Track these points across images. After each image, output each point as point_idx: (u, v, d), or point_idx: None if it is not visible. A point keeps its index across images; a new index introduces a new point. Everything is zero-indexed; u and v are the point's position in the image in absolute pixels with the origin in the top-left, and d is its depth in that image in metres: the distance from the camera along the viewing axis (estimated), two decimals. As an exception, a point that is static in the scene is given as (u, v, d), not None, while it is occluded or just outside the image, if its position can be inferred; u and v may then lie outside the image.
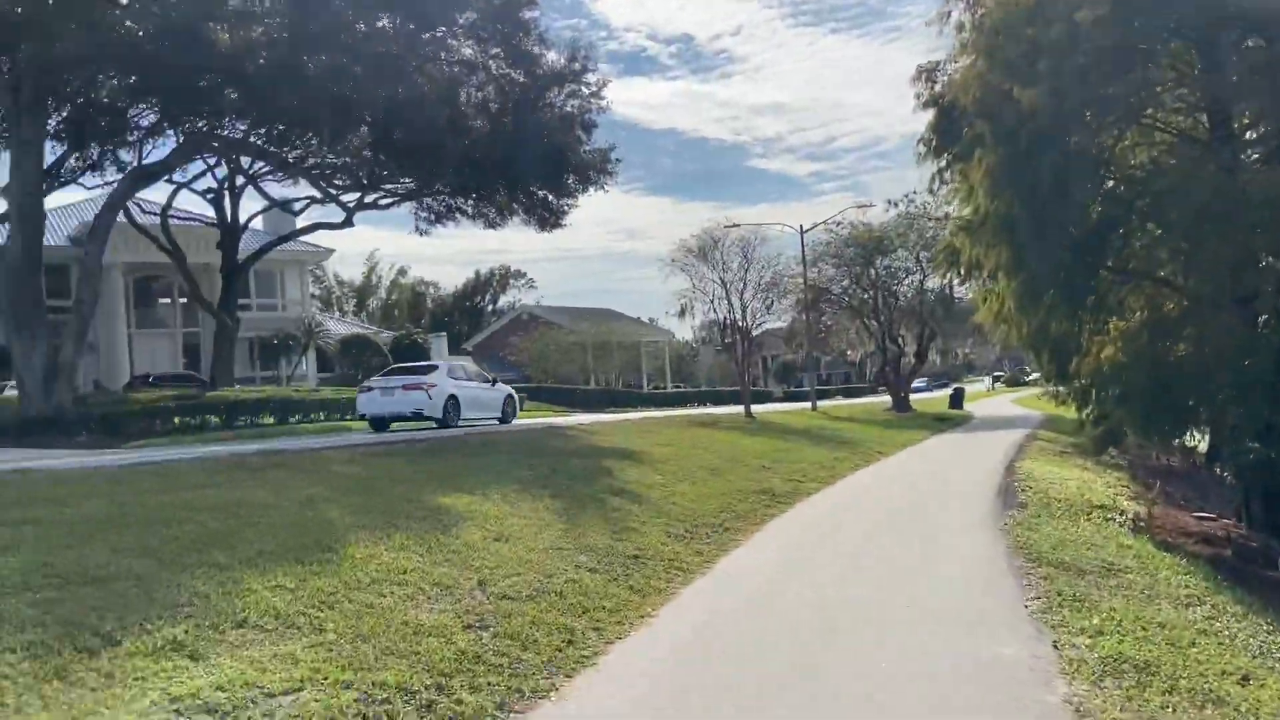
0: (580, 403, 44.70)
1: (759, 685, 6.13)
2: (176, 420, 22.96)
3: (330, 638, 5.85)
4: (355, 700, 5.07)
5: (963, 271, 21.91)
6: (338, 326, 50.18)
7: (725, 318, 33.76)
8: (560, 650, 6.53)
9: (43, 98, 22.52)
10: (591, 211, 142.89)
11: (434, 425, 20.66)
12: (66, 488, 9.16)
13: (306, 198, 34.23)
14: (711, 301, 33.42)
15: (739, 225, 33.86)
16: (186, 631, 5.49)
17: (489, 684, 5.71)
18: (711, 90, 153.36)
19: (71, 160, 27.37)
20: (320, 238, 40.33)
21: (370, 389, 21.75)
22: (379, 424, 21.46)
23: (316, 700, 4.97)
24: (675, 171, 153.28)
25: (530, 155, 25.12)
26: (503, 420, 23.24)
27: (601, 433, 19.71)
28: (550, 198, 28.49)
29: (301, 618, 6.07)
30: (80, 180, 28.80)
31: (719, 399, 53.22)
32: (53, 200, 31.99)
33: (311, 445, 15.78)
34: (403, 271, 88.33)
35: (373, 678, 5.38)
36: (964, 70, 18.76)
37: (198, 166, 31.14)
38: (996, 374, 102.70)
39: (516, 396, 24.95)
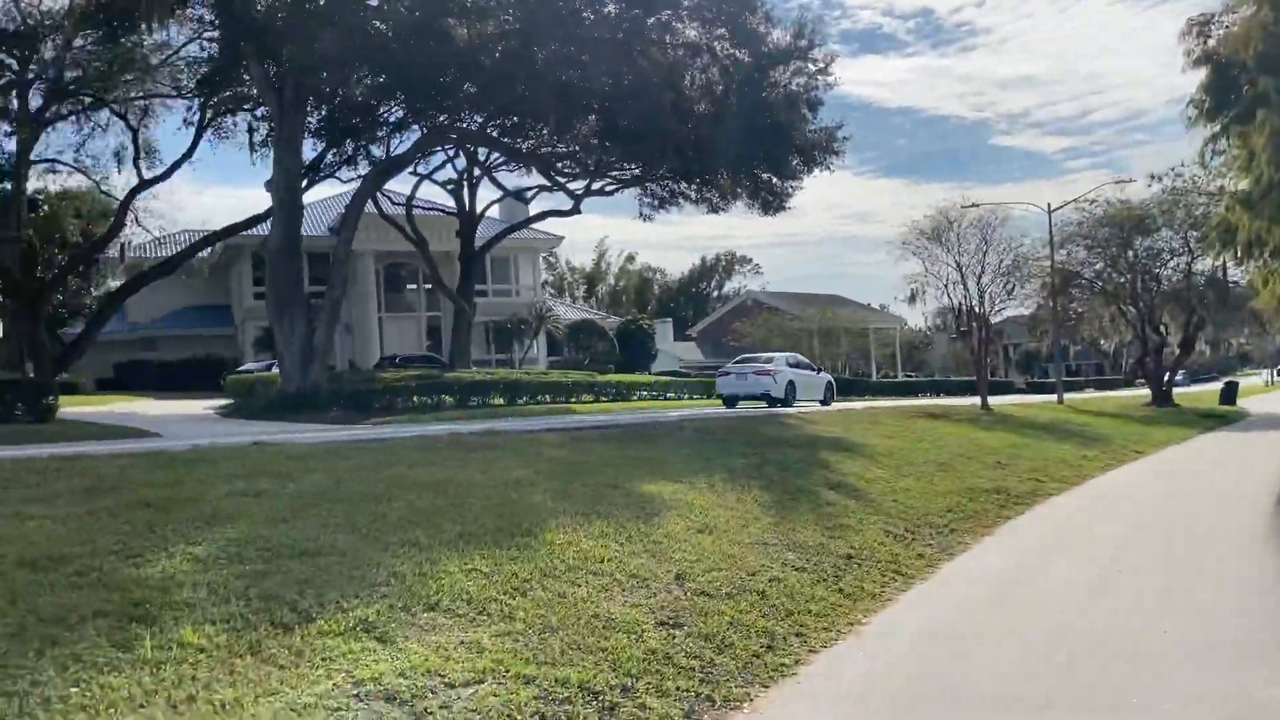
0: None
1: (981, 714, 5.43)
2: (415, 399, 24.29)
3: (518, 627, 5.69)
4: (535, 698, 4.84)
5: (1239, 251, 19.57)
6: (567, 312, 51.85)
7: (961, 303, 31.88)
8: (758, 656, 6.09)
9: (303, 98, 24.37)
10: (818, 195, 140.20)
11: (765, 405, 24.37)
12: (295, 461, 9.63)
13: (537, 186, 35.52)
14: (945, 286, 31.68)
15: (977, 205, 31.79)
16: (379, 612, 5.46)
17: (678, 689, 5.36)
18: (951, 65, 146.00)
19: (329, 155, 29.64)
20: (551, 225, 41.68)
21: (728, 373, 26.33)
22: (731, 402, 25.69)
23: (495, 695, 4.78)
24: (910, 151, 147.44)
25: (753, 136, 24.59)
26: (823, 403, 26.30)
27: (822, 422, 18.97)
28: (773, 180, 27.85)
29: (493, 604, 5.95)
30: (337, 174, 31.23)
31: (953, 389, 50.75)
32: (316, 193, 34.99)
33: (531, 426, 16.09)
34: (630, 258, 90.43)
35: (556, 674, 5.15)
36: (1243, 21, 16.66)
37: (438, 159, 33.03)
38: (1278, 367, 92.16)
39: (834, 383, 28.39)
